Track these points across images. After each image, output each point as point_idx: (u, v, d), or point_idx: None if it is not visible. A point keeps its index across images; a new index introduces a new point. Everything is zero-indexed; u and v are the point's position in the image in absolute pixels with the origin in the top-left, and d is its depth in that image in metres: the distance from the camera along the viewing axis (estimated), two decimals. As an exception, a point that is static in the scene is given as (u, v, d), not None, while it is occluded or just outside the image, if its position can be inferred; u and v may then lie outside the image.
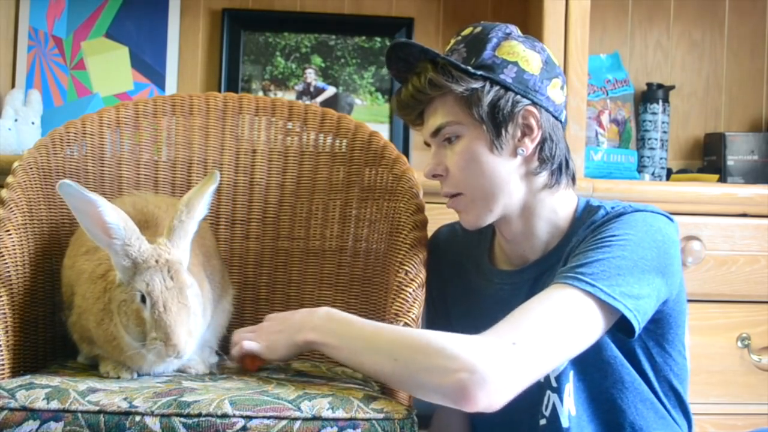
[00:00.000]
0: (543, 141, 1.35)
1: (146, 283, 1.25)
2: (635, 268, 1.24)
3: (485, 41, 1.35)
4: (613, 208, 1.36)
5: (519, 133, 1.34)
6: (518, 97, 1.33)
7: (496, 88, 1.32)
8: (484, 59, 1.34)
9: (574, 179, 1.41)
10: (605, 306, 1.22)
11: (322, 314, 1.30)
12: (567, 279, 1.23)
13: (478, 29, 1.38)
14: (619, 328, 1.25)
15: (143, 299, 1.25)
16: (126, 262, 1.26)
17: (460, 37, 1.39)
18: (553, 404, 1.34)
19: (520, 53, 1.34)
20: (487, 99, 1.32)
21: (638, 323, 1.23)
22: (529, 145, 1.34)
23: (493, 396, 1.13)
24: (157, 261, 1.27)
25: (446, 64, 1.34)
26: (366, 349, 1.23)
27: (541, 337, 1.18)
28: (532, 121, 1.34)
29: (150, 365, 1.31)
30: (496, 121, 1.33)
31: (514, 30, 1.38)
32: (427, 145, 1.43)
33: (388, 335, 1.23)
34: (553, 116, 1.36)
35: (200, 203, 1.33)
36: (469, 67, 1.33)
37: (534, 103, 1.34)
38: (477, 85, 1.32)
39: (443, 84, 1.33)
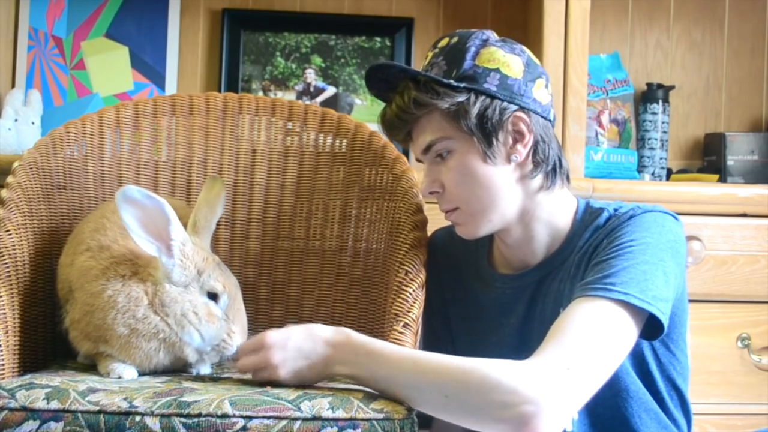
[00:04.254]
0: (535, 144, 1.33)
1: (221, 283, 1.32)
2: (658, 271, 1.24)
3: (464, 51, 1.33)
4: (616, 209, 1.35)
5: (510, 140, 1.33)
6: (505, 104, 1.31)
7: (482, 98, 1.30)
8: (466, 70, 1.32)
9: (568, 178, 1.40)
10: (639, 313, 1.22)
11: (342, 344, 1.23)
12: (598, 291, 1.22)
13: (455, 39, 1.35)
14: (641, 332, 1.26)
15: (212, 297, 1.31)
16: (185, 264, 1.30)
17: (437, 50, 1.36)
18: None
19: (500, 59, 1.32)
20: (474, 111, 1.30)
21: (667, 325, 1.24)
22: (522, 151, 1.33)
23: (554, 424, 1.13)
24: (213, 260, 1.34)
25: (428, 80, 1.32)
26: (409, 384, 1.18)
27: (592, 357, 1.17)
28: (522, 127, 1.32)
29: (197, 362, 1.34)
30: (486, 132, 1.31)
31: (491, 35, 1.36)
32: (419, 161, 1.41)
33: (431, 368, 1.18)
34: (542, 117, 1.35)
35: (219, 205, 1.41)
36: (452, 81, 1.31)
37: (521, 108, 1.32)
38: (462, 98, 1.30)
39: (428, 102, 1.31)
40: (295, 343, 1.23)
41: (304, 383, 1.23)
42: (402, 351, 1.22)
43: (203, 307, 1.31)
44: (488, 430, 1.17)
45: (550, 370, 1.14)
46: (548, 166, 1.35)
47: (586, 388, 1.18)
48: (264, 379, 1.24)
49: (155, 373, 1.34)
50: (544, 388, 1.12)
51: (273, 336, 1.24)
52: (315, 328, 1.25)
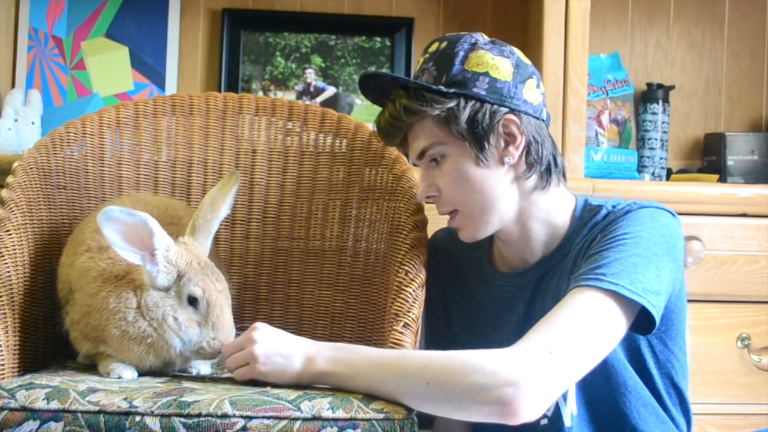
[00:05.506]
0: (528, 145, 1.34)
1: (201, 288, 1.29)
2: (650, 264, 1.25)
3: (452, 56, 1.33)
4: (614, 206, 1.36)
5: (502, 143, 1.33)
6: (495, 107, 1.32)
7: (472, 102, 1.31)
8: (455, 75, 1.32)
9: (565, 176, 1.41)
10: (629, 304, 1.22)
11: (328, 345, 1.25)
12: (588, 281, 1.23)
13: (444, 44, 1.36)
14: (633, 326, 1.26)
15: (192, 302, 1.29)
16: (169, 269, 1.29)
17: (428, 55, 1.37)
18: (557, 404, 1.34)
19: (489, 62, 1.33)
20: (464, 116, 1.31)
21: (658, 319, 1.24)
22: (515, 153, 1.34)
23: (536, 406, 1.14)
24: (199, 263, 1.31)
25: (418, 87, 1.33)
26: (390, 376, 1.19)
27: (575, 343, 1.18)
28: (513, 129, 1.33)
29: (184, 363, 1.34)
30: (477, 136, 1.32)
31: (480, 38, 1.36)
32: (416, 165, 1.42)
33: (413, 360, 1.21)
34: (534, 117, 1.35)
35: (224, 203, 1.38)
36: (441, 87, 1.32)
37: (512, 110, 1.33)
38: (451, 104, 1.31)
39: (418, 109, 1.32)
40: (279, 340, 1.25)
41: (283, 380, 1.23)
42: (386, 350, 1.26)
43: (183, 312, 1.29)
44: (470, 415, 1.18)
45: (531, 354, 1.16)
46: (542, 166, 1.36)
47: (568, 372, 1.18)
48: (245, 377, 1.25)
49: (154, 373, 1.34)
50: (524, 370, 1.13)
51: (258, 332, 1.25)
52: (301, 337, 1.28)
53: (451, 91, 1.31)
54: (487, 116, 1.31)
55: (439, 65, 1.34)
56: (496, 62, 1.33)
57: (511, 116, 1.33)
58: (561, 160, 1.39)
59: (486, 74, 1.32)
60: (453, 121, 1.31)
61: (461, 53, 1.34)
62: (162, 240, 1.29)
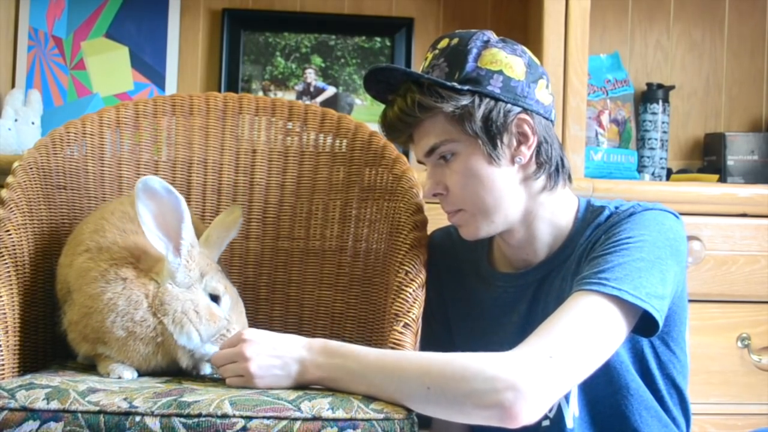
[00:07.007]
0: (539, 145, 1.34)
1: (223, 285, 1.33)
2: (654, 269, 1.24)
3: (465, 53, 1.32)
4: (617, 207, 1.36)
5: (515, 142, 1.33)
6: (509, 106, 1.31)
7: (486, 100, 1.30)
8: (468, 72, 1.31)
9: (570, 177, 1.40)
10: (631, 308, 1.22)
11: (319, 348, 1.23)
12: (591, 285, 1.22)
13: (455, 40, 1.35)
14: (635, 328, 1.26)
15: (213, 299, 1.32)
16: (190, 265, 1.30)
17: (437, 51, 1.36)
18: (559, 405, 1.34)
19: (502, 60, 1.32)
20: (479, 113, 1.29)
21: (662, 323, 1.24)
22: (526, 153, 1.33)
23: (535, 411, 1.14)
24: (216, 267, 1.35)
25: (432, 83, 1.31)
26: (390, 380, 1.18)
27: (576, 347, 1.18)
28: (526, 129, 1.32)
29: (189, 363, 1.34)
30: (491, 134, 1.31)
31: (492, 36, 1.36)
32: (421, 163, 1.41)
33: (412, 363, 1.19)
34: (544, 118, 1.35)
35: (234, 228, 1.44)
36: (456, 84, 1.30)
37: (525, 110, 1.32)
38: (466, 101, 1.30)
39: (432, 105, 1.30)
40: (272, 350, 1.22)
41: (280, 388, 1.21)
42: (381, 350, 1.24)
43: (205, 307, 1.31)
44: (470, 419, 1.17)
45: (531, 358, 1.16)
46: (551, 166, 1.35)
47: (569, 376, 1.19)
48: (239, 385, 1.22)
49: (154, 373, 1.34)
50: (524, 375, 1.13)
51: (249, 345, 1.22)
52: (292, 335, 1.26)
53: (466, 87, 1.30)
54: (502, 115, 1.31)
55: (451, 62, 1.33)
56: (510, 61, 1.32)
57: (524, 116, 1.32)
58: (567, 161, 1.39)
59: (500, 72, 1.31)
60: (467, 119, 1.30)
61: (474, 50, 1.32)
62: (189, 231, 1.30)
